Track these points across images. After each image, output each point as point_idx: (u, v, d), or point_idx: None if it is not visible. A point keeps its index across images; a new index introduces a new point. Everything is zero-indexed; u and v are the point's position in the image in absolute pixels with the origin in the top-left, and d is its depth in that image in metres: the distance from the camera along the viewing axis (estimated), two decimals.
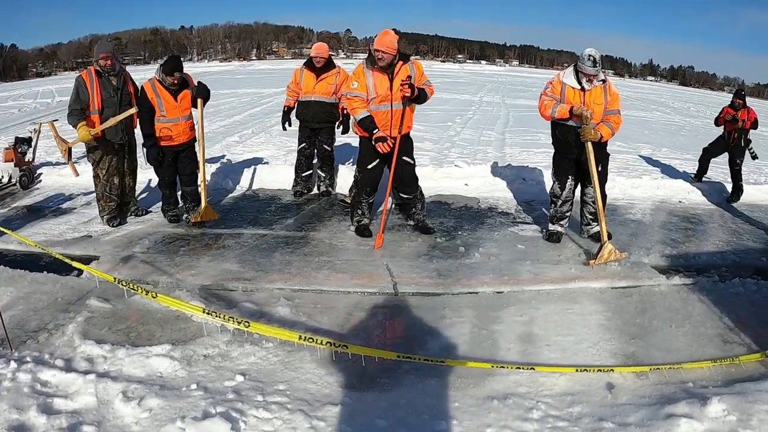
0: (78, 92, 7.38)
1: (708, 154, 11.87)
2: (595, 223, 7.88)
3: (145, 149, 7.77)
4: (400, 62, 7.25)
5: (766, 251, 8.64)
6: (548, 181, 10.16)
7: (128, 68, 9.15)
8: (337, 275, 6.59)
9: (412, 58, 7.47)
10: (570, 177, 7.77)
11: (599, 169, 7.46)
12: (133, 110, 7.64)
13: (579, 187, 7.98)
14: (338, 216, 8.73)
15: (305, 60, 9.50)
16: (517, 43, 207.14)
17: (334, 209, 9.09)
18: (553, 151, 7.96)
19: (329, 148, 9.55)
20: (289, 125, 9.60)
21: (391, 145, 7.29)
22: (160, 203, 8.50)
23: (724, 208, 10.81)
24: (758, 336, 5.73)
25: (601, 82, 7.33)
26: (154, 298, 4.68)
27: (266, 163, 11.47)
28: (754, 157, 11.30)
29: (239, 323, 4.47)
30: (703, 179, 12.13)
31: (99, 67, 7.43)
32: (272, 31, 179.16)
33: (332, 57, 9.48)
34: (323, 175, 9.76)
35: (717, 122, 11.83)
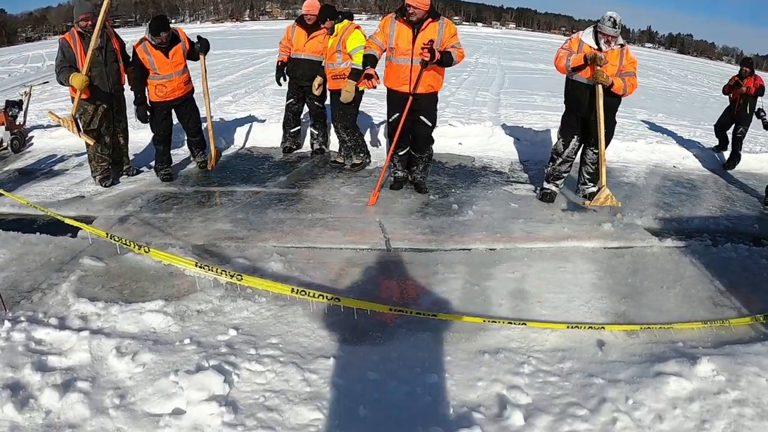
0: (63, 54, 7.28)
1: (720, 128, 11.80)
2: (591, 184, 7.98)
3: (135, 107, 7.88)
4: (429, 19, 7.05)
5: (758, 218, 8.67)
6: (543, 141, 10.16)
7: (119, 30, 9.07)
8: (330, 232, 6.59)
9: (444, 18, 7.26)
10: (575, 136, 7.80)
11: (605, 129, 7.46)
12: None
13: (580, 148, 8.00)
14: (331, 173, 8.72)
15: (298, 17, 9.37)
16: (514, 6, 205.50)
17: (327, 167, 9.06)
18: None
19: (320, 105, 9.41)
20: (284, 80, 9.47)
21: (366, 86, 7.27)
22: (153, 162, 8.49)
23: (719, 175, 10.82)
24: (749, 300, 5.78)
25: (619, 46, 7.31)
26: (147, 252, 4.68)
27: (260, 121, 11.35)
28: (766, 126, 11.03)
29: (231, 276, 4.48)
30: (707, 147, 12.08)
31: (80, 29, 7.33)
32: None
33: None
34: (316, 132, 9.68)
35: (724, 90, 11.79)
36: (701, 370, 4.08)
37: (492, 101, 17.39)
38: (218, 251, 6.01)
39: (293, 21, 9.40)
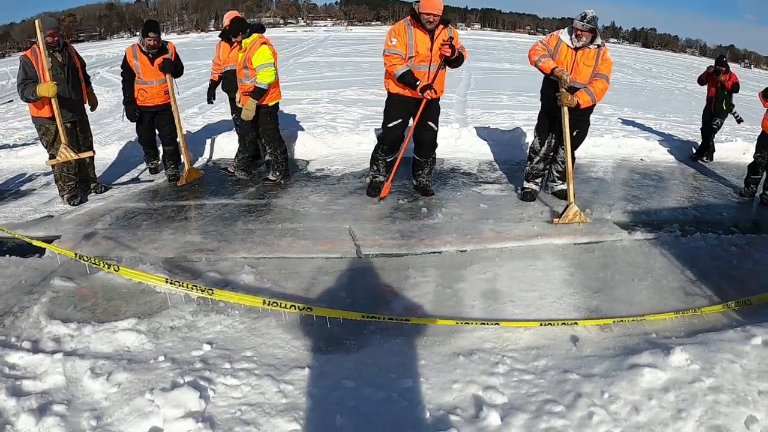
0: (26, 71, 7.22)
1: (704, 129, 11.83)
2: (561, 182, 8.06)
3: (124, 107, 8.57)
4: (441, 25, 7.16)
5: (726, 206, 8.79)
6: (510, 141, 10.22)
7: (84, 44, 9.10)
8: (300, 241, 6.57)
9: (450, 25, 7.38)
10: (551, 134, 7.85)
11: (574, 133, 7.52)
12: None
13: None
14: (300, 182, 8.67)
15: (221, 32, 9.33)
16: (478, 7, 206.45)
17: (296, 175, 9.01)
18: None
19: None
20: (214, 99, 9.55)
21: (431, 96, 7.23)
22: (121, 178, 8.71)
23: (686, 165, 10.96)
24: (719, 288, 5.85)
25: (596, 47, 7.27)
26: (116, 271, 4.66)
27: (226, 132, 11.29)
28: (739, 121, 11.46)
29: (203, 291, 4.47)
30: (673, 138, 12.24)
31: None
32: (230, 0, 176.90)
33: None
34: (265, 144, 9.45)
35: (700, 80, 11.92)
36: (675, 360, 4.11)
37: (459, 102, 17.47)
38: (189, 265, 5.97)
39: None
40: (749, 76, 16.07)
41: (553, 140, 7.89)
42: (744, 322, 5.05)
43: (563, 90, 7.12)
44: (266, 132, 8.45)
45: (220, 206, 7.65)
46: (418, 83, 7.04)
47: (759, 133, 9.30)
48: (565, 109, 7.21)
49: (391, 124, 7.51)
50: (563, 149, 7.68)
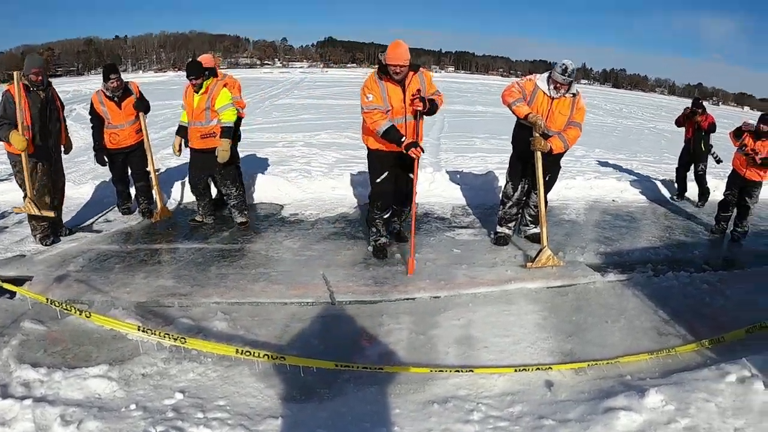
0: (5, 108, 7.19)
1: (679, 170, 12.10)
2: (533, 225, 8.08)
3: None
4: (411, 72, 6.95)
5: (697, 244, 8.92)
6: (483, 184, 10.27)
7: (62, 79, 9.13)
8: (274, 287, 6.52)
9: (421, 69, 7.17)
10: (524, 179, 7.84)
11: (546, 178, 7.60)
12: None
13: None
14: (274, 227, 8.61)
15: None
16: (452, 50, 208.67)
17: (270, 220, 8.96)
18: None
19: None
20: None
21: (417, 154, 6.95)
22: (94, 219, 8.69)
23: (657, 205, 11.11)
24: (692, 326, 5.93)
25: (572, 95, 7.32)
26: (88, 317, 4.61)
27: None
28: (718, 161, 11.61)
29: (175, 340, 4.44)
30: (645, 178, 12.41)
31: (28, 82, 7.27)
32: (207, 40, 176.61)
33: (216, 68, 9.04)
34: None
35: (677, 122, 12.18)
36: (650, 402, 4.15)
37: (432, 146, 17.51)
38: (162, 311, 5.91)
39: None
40: (717, 114, 16.40)
41: (526, 185, 7.89)
42: (718, 360, 5.12)
43: (537, 135, 7.19)
44: (230, 173, 8.40)
45: (194, 250, 7.58)
46: (403, 140, 6.79)
47: (730, 171, 9.50)
48: (539, 153, 7.27)
49: (379, 179, 7.34)
50: (536, 193, 7.71)
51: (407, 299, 6.34)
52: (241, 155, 9.30)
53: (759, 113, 9.51)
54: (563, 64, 7.02)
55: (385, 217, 7.57)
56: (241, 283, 6.59)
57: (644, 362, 5.19)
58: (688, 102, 12.12)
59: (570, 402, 4.44)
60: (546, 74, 7.35)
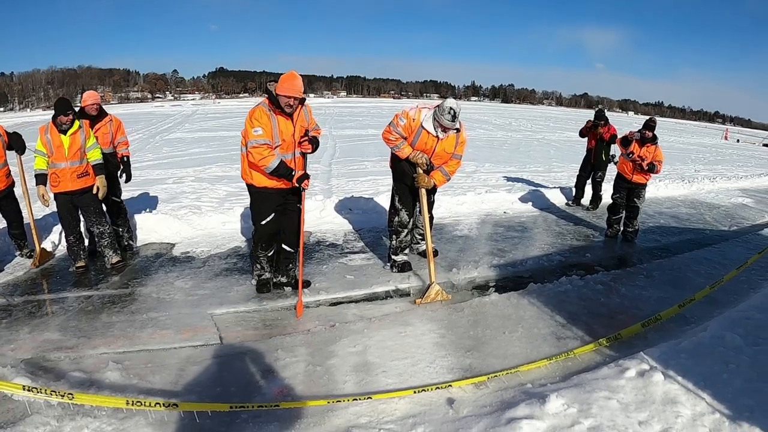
0: None
1: (581, 177, 12.78)
2: (423, 242, 8.11)
3: None
4: (299, 106, 6.66)
5: (588, 248, 9.19)
6: (374, 208, 10.28)
7: None
8: (163, 332, 6.28)
9: (306, 102, 6.89)
10: (415, 205, 7.85)
11: (432, 198, 7.84)
12: None
13: None
14: (164, 268, 8.31)
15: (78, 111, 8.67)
16: (344, 75, 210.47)
17: (160, 261, 8.64)
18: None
19: (119, 200, 8.95)
20: None
21: (307, 186, 6.81)
22: None
23: (548, 213, 11.40)
24: (590, 327, 6.12)
25: (455, 131, 7.32)
26: None
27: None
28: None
29: (62, 396, 4.22)
30: (534, 188, 12.78)
31: None
32: (97, 74, 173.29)
33: (102, 106, 8.76)
34: (120, 230, 9.04)
35: (581, 133, 12.81)
36: (552, 407, 4.22)
37: (323, 173, 17.50)
38: (51, 365, 5.58)
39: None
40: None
41: (417, 210, 7.95)
42: (617, 357, 5.29)
43: (420, 173, 7.31)
44: (97, 210, 8.12)
45: (83, 299, 7.24)
46: (293, 174, 6.65)
47: (615, 176, 10.03)
48: (423, 190, 7.39)
49: (264, 222, 7.06)
50: (419, 213, 7.83)
51: (302, 331, 6.21)
52: (129, 195, 9.07)
53: (643, 117, 10.02)
54: (450, 109, 6.98)
55: (269, 254, 7.38)
56: (128, 330, 6.30)
57: (544, 368, 5.28)
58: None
59: (472, 417, 4.44)
60: (431, 114, 7.24)
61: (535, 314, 6.47)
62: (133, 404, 4.21)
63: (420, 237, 8.34)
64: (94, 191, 7.86)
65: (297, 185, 6.68)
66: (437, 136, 7.24)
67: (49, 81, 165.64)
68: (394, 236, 7.94)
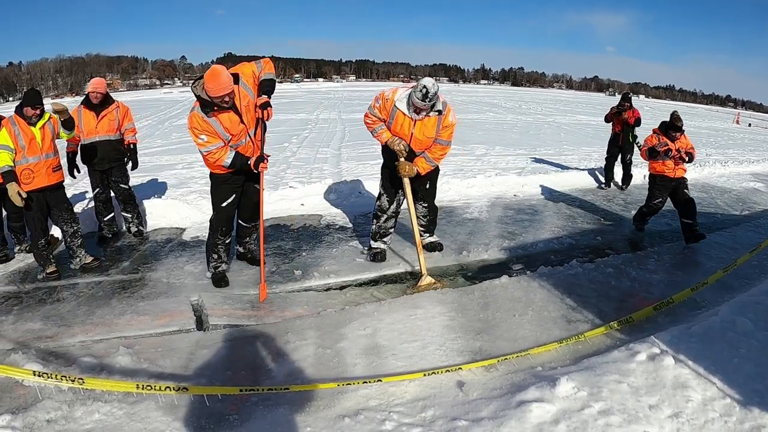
0: None
1: (609, 160, 12.89)
2: (427, 234, 8.02)
3: None
4: (235, 87, 6.27)
5: (599, 231, 9.15)
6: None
7: None
8: (172, 316, 6.29)
9: (239, 75, 6.45)
10: (400, 191, 7.55)
11: (427, 186, 7.58)
12: None
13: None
14: (175, 252, 8.36)
15: (83, 98, 8.72)
16: (353, 59, 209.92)
17: (170, 245, 8.69)
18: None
19: (126, 186, 8.97)
20: (78, 172, 8.82)
21: (265, 168, 6.72)
22: None
23: (559, 196, 11.38)
24: (600, 311, 6.08)
25: (437, 113, 6.93)
26: None
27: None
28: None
29: (73, 381, 4.24)
30: (546, 171, 12.83)
31: None
32: (105, 62, 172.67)
33: (109, 92, 8.69)
34: (129, 216, 9.12)
35: (606, 119, 12.91)
36: (562, 391, 4.20)
37: (333, 156, 17.42)
38: (62, 350, 5.62)
39: (78, 105, 8.69)
40: (613, 103, 17.14)
41: (402, 197, 7.62)
42: (627, 340, 5.26)
43: (401, 160, 7.08)
44: (69, 207, 7.85)
45: (94, 284, 7.27)
46: (249, 161, 6.62)
47: (649, 181, 9.32)
48: (406, 180, 7.18)
49: (225, 203, 6.97)
50: (421, 205, 7.74)
51: (312, 314, 6.23)
52: (139, 181, 9.05)
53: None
54: (423, 87, 6.60)
55: (227, 242, 7.23)
56: (139, 315, 6.32)
57: (554, 351, 5.27)
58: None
59: (482, 400, 4.44)
60: (406, 93, 6.95)
61: (546, 297, 6.45)
62: (143, 388, 4.23)
63: (422, 229, 7.95)
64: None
65: (255, 170, 6.64)
66: (412, 118, 6.91)
67: (58, 69, 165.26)
68: (374, 221, 7.86)
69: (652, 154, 8.68)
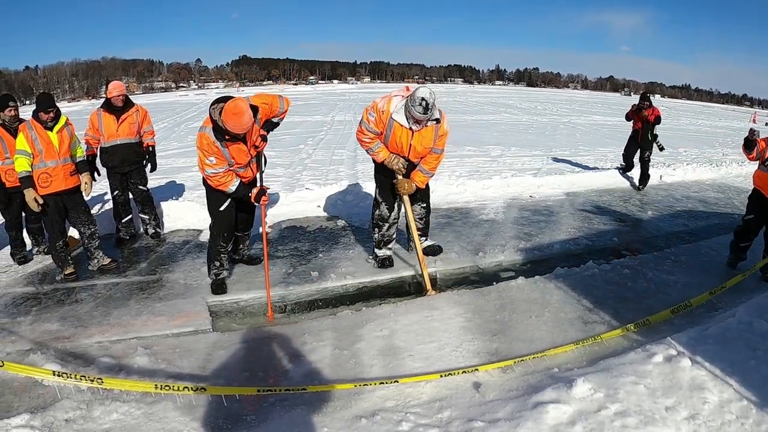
0: None
1: (627, 154, 13.09)
2: (424, 237, 7.94)
3: None
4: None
5: (615, 232, 9.11)
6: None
7: None
8: (190, 317, 6.36)
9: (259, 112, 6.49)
10: (396, 199, 7.51)
11: (418, 196, 7.54)
12: None
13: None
14: (192, 254, 8.41)
15: (102, 102, 8.78)
16: (367, 60, 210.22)
17: (188, 247, 8.75)
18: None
19: (145, 188, 9.04)
20: (98, 174, 8.86)
21: (266, 201, 6.79)
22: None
23: (575, 197, 11.34)
24: (617, 312, 6.05)
25: (435, 122, 6.84)
26: (0, 366, 4.43)
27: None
28: (661, 149, 12.68)
29: (92, 381, 4.29)
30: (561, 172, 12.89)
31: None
32: (121, 66, 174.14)
33: (128, 96, 8.75)
34: (147, 217, 9.20)
35: (627, 117, 13.00)
36: (578, 392, 4.20)
37: (349, 158, 17.47)
38: (81, 351, 5.66)
39: (97, 108, 8.79)
40: (629, 102, 16.98)
41: (400, 202, 7.62)
42: (644, 342, 5.25)
43: (400, 179, 7.08)
44: (87, 210, 7.90)
45: (111, 285, 7.33)
46: (250, 194, 6.67)
47: (751, 192, 7.72)
48: (406, 197, 7.20)
49: (223, 207, 6.92)
50: (419, 206, 7.68)
51: (329, 315, 6.32)
52: (156, 183, 9.10)
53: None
54: (422, 99, 6.46)
55: (229, 249, 7.30)
56: (156, 316, 6.38)
57: (571, 353, 5.26)
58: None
59: (499, 401, 4.45)
60: (402, 104, 6.76)
61: (562, 298, 6.44)
62: (161, 388, 4.27)
63: (419, 234, 7.67)
64: (83, 188, 7.68)
65: (256, 203, 6.74)
66: (411, 129, 6.78)
67: (74, 73, 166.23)
68: (376, 229, 7.76)
69: (748, 144, 7.40)
